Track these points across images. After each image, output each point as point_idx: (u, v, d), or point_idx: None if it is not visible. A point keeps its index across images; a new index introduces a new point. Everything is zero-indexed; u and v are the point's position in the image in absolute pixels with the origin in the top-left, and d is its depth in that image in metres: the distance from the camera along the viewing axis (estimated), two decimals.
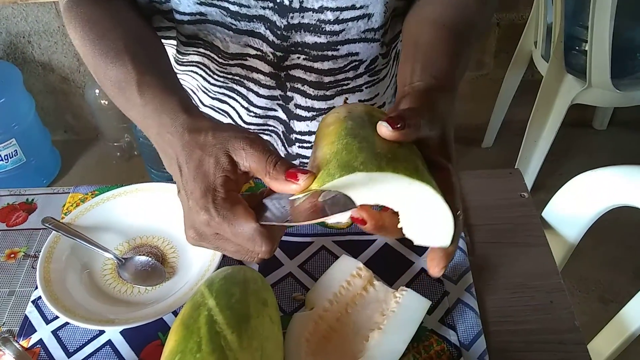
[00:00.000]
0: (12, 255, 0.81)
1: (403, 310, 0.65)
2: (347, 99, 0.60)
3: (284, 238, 0.78)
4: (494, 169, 0.89)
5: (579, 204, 0.83)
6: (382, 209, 0.51)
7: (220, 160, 0.52)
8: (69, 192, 0.89)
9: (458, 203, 0.51)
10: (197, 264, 0.75)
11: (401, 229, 0.51)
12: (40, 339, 0.70)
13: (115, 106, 2.23)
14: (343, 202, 0.47)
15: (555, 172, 2.32)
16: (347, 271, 0.70)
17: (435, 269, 0.53)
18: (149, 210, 0.82)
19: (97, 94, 2.30)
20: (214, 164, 0.52)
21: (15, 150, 2.23)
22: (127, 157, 2.55)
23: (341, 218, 0.50)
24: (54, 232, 0.77)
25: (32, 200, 0.89)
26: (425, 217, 0.49)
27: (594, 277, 1.95)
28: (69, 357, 0.68)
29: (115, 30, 0.64)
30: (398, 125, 0.49)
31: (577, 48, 1.89)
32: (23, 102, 2.26)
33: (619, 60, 1.76)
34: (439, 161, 0.53)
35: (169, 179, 0.83)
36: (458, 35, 0.64)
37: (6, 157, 2.22)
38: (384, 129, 0.49)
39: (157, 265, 0.76)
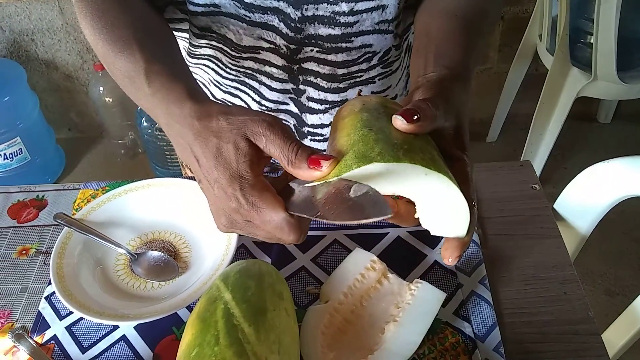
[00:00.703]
0: (24, 252, 0.81)
1: (418, 303, 0.65)
2: (360, 91, 0.60)
3: None
4: (497, 162, 0.89)
5: (591, 195, 0.83)
6: (398, 197, 0.51)
7: (239, 145, 0.51)
8: (80, 189, 0.89)
9: (473, 194, 0.51)
10: (210, 258, 0.75)
11: (417, 218, 0.51)
12: (55, 334, 0.70)
13: (120, 103, 2.22)
14: (378, 203, 0.46)
15: (560, 166, 2.32)
16: (361, 264, 0.70)
17: (449, 258, 0.52)
18: (160, 206, 0.82)
19: (102, 92, 2.30)
20: (234, 150, 0.50)
21: (20, 148, 2.23)
22: (131, 154, 2.55)
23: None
24: (66, 228, 0.77)
25: (43, 196, 0.89)
26: (442, 208, 0.49)
27: (600, 270, 1.95)
28: (83, 353, 0.68)
29: (124, 18, 0.63)
30: (414, 118, 0.49)
31: (582, 41, 1.89)
32: (27, 100, 2.26)
33: (624, 52, 1.76)
34: (454, 152, 0.53)
35: (174, 176, 0.83)
36: (470, 25, 0.64)
37: (11, 156, 2.23)
38: (399, 122, 0.49)
39: (170, 260, 0.76)
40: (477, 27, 0.65)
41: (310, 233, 0.79)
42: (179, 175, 0.85)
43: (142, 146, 2.53)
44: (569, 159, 2.37)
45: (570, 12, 1.80)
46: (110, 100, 2.32)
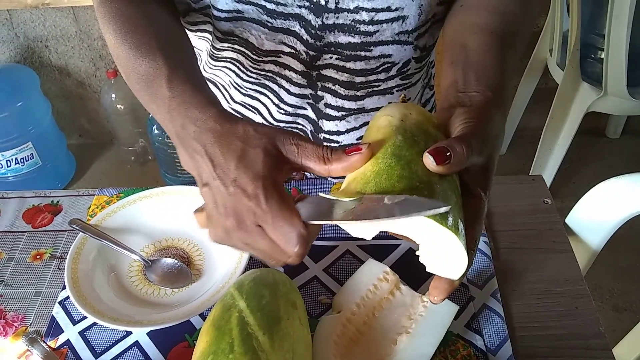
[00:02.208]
0: (38, 257, 0.82)
1: (431, 315, 0.65)
2: (404, 96, 0.59)
3: None
4: (509, 176, 0.89)
5: (602, 211, 0.83)
6: None
7: (269, 151, 0.51)
8: (94, 195, 0.90)
9: (479, 235, 0.52)
10: (223, 266, 0.76)
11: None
12: (68, 339, 0.71)
13: (131, 111, 2.23)
14: (420, 202, 0.46)
15: (569, 180, 2.32)
16: (373, 275, 0.71)
17: (436, 297, 0.53)
18: (174, 213, 0.83)
19: (113, 99, 2.32)
20: (263, 154, 0.51)
21: (32, 153, 2.25)
22: (141, 161, 2.57)
23: (366, 235, 0.50)
24: (81, 233, 0.78)
25: (57, 202, 0.90)
26: (443, 253, 0.49)
27: (608, 285, 1.94)
28: (96, 358, 0.69)
29: (148, 26, 0.65)
30: (444, 160, 0.48)
31: (592, 56, 1.90)
32: (40, 106, 2.29)
33: (634, 68, 1.77)
34: (474, 189, 0.53)
35: (184, 183, 0.84)
36: (506, 43, 0.63)
37: (22, 161, 2.24)
38: (429, 162, 0.49)
39: (184, 268, 0.76)
40: (513, 45, 0.64)
41: (322, 243, 0.79)
42: (189, 182, 0.86)
43: (152, 153, 2.55)
44: (578, 173, 2.37)
45: (581, 27, 1.80)
46: (122, 107, 2.34)
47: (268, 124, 0.57)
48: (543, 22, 2.15)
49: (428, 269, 0.51)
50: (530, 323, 0.70)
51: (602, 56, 1.78)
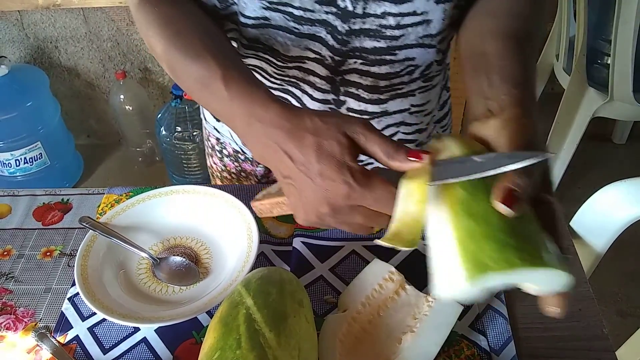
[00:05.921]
0: (48, 254, 0.83)
1: (435, 314, 0.66)
2: (437, 134, 0.59)
3: (315, 242, 0.80)
4: None
5: (607, 214, 0.83)
6: None
7: (341, 141, 0.54)
8: (104, 193, 0.91)
9: (564, 236, 0.52)
10: (231, 265, 0.77)
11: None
12: (77, 335, 0.72)
13: (139, 112, 2.23)
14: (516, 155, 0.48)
15: (574, 185, 2.32)
16: (379, 275, 0.72)
17: (558, 311, 0.52)
18: (182, 212, 0.84)
19: (122, 100, 2.33)
20: (338, 146, 0.54)
21: (40, 153, 2.26)
22: (149, 162, 2.58)
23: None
24: (91, 231, 0.79)
25: (68, 200, 0.92)
26: (549, 279, 0.48)
27: (612, 290, 1.94)
28: (104, 354, 0.69)
29: (192, 28, 0.66)
30: (515, 201, 0.48)
31: (599, 61, 1.90)
32: (49, 106, 2.30)
33: None
34: (541, 196, 0.52)
35: (190, 184, 0.85)
36: (522, 43, 0.64)
37: (31, 160, 2.26)
38: (503, 209, 0.48)
39: (192, 266, 0.77)
40: (530, 46, 0.65)
41: (328, 243, 0.80)
42: (196, 183, 0.87)
43: (159, 154, 2.56)
44: (583, 178, 2.37)
45: (587, 32, 1.81)
46: (130, 108, 2.35)
47: (329, 111, 0.59)
48: (550, 27, 2.15)
49: (538, 294, 0.51)
50: (533, 324, 0.70)
51: (609, 61, 1.78)
